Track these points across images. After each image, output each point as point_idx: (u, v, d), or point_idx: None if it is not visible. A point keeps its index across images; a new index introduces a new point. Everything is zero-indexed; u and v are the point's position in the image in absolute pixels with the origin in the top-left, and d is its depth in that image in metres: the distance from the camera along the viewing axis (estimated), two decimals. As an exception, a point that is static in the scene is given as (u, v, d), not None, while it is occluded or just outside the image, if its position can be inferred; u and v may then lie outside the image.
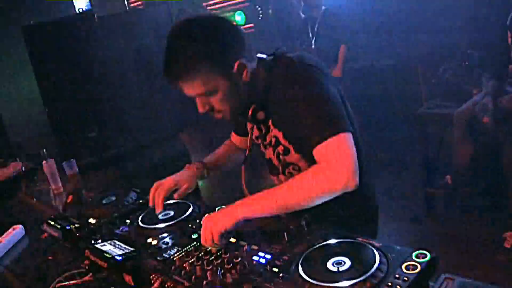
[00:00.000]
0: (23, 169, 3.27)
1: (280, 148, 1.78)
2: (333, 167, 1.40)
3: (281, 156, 1.81)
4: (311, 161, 1.50)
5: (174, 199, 1.97)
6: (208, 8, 7.13)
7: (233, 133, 2.17)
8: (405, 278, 1.18)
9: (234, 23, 1.68)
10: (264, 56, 1.75)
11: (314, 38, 5.94)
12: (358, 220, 1.83)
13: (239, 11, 7.87)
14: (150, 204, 1.91)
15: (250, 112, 1.72)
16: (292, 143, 1.73)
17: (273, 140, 1.79)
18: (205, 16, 1.67)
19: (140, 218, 1.98)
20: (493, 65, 3.78)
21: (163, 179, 1.95)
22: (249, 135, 1.92)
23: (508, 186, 3.46)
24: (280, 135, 1.75)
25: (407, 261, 1.24)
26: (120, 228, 1.96)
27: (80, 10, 3.97)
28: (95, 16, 3.92)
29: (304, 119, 1.53)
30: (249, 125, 1.91)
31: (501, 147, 3.48)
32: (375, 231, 1.93)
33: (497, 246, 3.41)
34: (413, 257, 1.26)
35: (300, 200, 1.46)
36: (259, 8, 8.28)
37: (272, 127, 1.77)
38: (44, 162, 2.94)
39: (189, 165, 2.01)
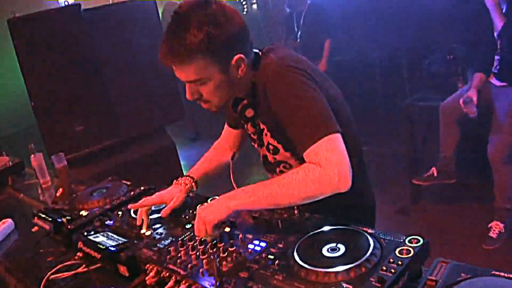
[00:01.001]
0: (10, 164, 3.25)
1: (270, 147, 1.78)
2: (324, 170, 1.39)
3: (271, 156, 1.81)
4: (302, 160, 1.49)
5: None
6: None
7: (226, 125, 2.14)
8: (399, 262, 1.20)
9: (241, 15, 1.64)
10: (257, 51, 1.73)
11: (300, 32, 5.96)
12: (355, 215, 1.82)
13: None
14: (138, 223, 1.85)
15: (239, 108, 1.72)
16: (280, 142, 1.73)
17: (265, 138, 1.79)
18: (215, 2, 1.58)
19: (132, 209, 1.98)
20: (478, 58, 3.82)
21: (151, 197, 1.92)
22: (246, 131, 1.93)
23: (493, 177, 3.51)
24: (268, 134, 1.75)
25: (400, 246, 1.27)
26: (112, 220, 1.96)
27: (66, 3, 3.93)
28: (82, 9, 3.89)
29: (288, 124, 1.52)
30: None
31: (486, 139, 3.53)
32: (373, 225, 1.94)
33: (483, 236, 3.47)
34: (406, 242, 1.29)
35: (290, 199, 1.46)
36: (243, 2, 8.28)
37: (262, 125, 1.77)
38: (32, 156, 2.92)
39: (177, 181, 1.98)
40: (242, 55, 1.60)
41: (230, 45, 1.57)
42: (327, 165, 1.39)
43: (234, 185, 1.87)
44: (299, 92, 1.51)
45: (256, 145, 1.90)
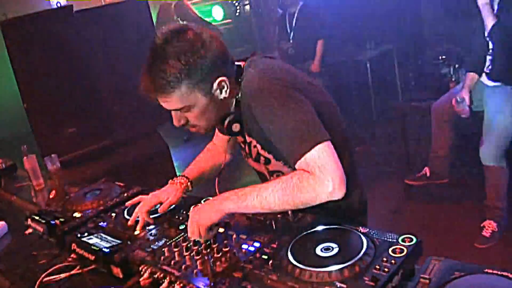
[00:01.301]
0: (3, 166, 3.24)
1: (262, 159, 1.78)
2: (318, 178, 1.39)
3: (263, 166, 1.81)
4: (294, 169, 1.48)
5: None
6: (188, 1, 7.08)
7: (217, 131, 2.13)
8: (393, 261, 1.21)
9: (219, 37, 1.64)
10: (240, 63, 1.73)
11: (292, 33, 5.96)
12: (347, 214, 1.80)
13: (218, 4, 7.86)
14: (130, 223, 1.86)
15: (225, 125, 1.71)
16: (271, 153, 1.73)
17: (254, 150, 1.79)
18: (191, 29, 1.59)
19: (126, 211, 1.98)
20: (469, 58, 3.83)
21: (147, 196, 1.93)
22: (235, 139, 1.93)
23: (485, 177, 3.53)
24: (258, 147, 1.75)
25: (393, 245, 1.28)
26: (106, 222, 1.96)
27: (58, 5, 3.93)
28: (74, 10, 3.88)
29: (277, 137, 1.52)
30: None
31: (478, 139, 3.54)
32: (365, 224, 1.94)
33: (476, 235, 3.48)
34: (400, 241, 1.30)
35: (283, 205, 1.45)
36: (236, 4, 8.28)
37: (249, 138, 1.77)
38: (24, 158, 2.91)
39: (172, 181, 1.99)
40: (224, 78, 1.60)
41: (210, 70, 1.56)
42: (320, 174, 1.38)
43: (217, 191, 1.86)
44: (284, 104, 1.50)
45: (244, 154, 1.91)
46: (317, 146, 1.41)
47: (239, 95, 1.68)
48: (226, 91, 1.63)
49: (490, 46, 3.46)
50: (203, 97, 1.59)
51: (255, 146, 1.77)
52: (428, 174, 4.10)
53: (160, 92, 1.56)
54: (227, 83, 1.62)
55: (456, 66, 4.23)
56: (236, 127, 1.72)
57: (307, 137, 1.44)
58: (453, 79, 4.21)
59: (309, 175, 1.40)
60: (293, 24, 5.93)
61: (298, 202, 1.43)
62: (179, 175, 2.02)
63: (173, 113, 1.66)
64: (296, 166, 1.45)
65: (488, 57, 3.51)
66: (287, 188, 1.43)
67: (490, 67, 3.52)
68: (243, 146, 1.88)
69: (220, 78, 1.59)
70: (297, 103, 1.51)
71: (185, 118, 1.66)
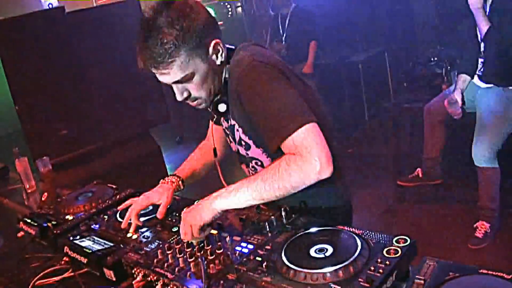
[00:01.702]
0: (-6, 168, 3.22)
1: (242, 143, 1.78)
2: (305, 158, 1.40)
3: (244, 151, 1.81)
4: (273, 156, 1.49)
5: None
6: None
7: (211, 123, 2.11)
8: (387, 262, 1.20)
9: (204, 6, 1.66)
10: (232, 46, 1.75)
11: (285, 35, 5.97)
12: (331, 214, 1.81)
13: (209, 6, 7.87)
14: (123, 225, 1.84)
15: (214, 101, 1.72)
16: (252, 139, 1.73)
17: (237, 134, 1.78)
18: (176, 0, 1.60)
19: (118, 213, 1.97)
20: (461, 60, 3.85)
21: (138, 198, 1.92)
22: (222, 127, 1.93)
23: (478, 178, 3.54)
24: (240, 130, 1.75)
25: (388, 246, 1.27)
26: (98, 224, 1.95)
27: (50, 6, 3.91)
28: (65, 11, 3.86)
29: (262, 118, 1.52)
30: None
31: (471, 140, 3.56)
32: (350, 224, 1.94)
33: (469, 236, 3.49)
34: (394, 242, 1.29)
35: (275, 192, 1.45)
36: (228, 6, 8.28)
37: (232, 121, 1.77)
38: (16, 160, 2.89)
39: (163, 180, 1.98)
40: (218, 40, 1.62)
41: (204, 33, 1.57)
42: (307, 154, 1.40)
43: (223, 183, 1.85)
44: (270, 86, 1.52)
45: (229, 140, 1.91)
46: (303, 126, 1.43)
47: (227, 74, 1.68)
48: (222, 54, 1.64)
49: (482, 48, 3.48)
50: (201, 63, 1.59)
51: (238, 130, 1.76)
52: (420, 175, 4.11)
53: (160, 63, 1.55)
54: (222, 46, 1.63)
55: (448, 67, 4.26)
56: (222, 107, 1.72)
57: (294, 117, 1.45)
58: (445, 81, 4.23)
59: (296, 157, 1.41)
60: (286, 26, 5.93)
61: (288, 186, 1.43)
62: (170, 174, 2.01)
63: (174, 87, 1.65)
64: (282, 146, 1.46)
65: (480, 60, 3.53)
66: (276, 174, 1.44)
67: (482, 69, 3.54)
68: (227, 131, 1.87)
69: (215, 41, 1.60)
70: (284, 86, 1.53)
71: (187, 91, 1.65)
